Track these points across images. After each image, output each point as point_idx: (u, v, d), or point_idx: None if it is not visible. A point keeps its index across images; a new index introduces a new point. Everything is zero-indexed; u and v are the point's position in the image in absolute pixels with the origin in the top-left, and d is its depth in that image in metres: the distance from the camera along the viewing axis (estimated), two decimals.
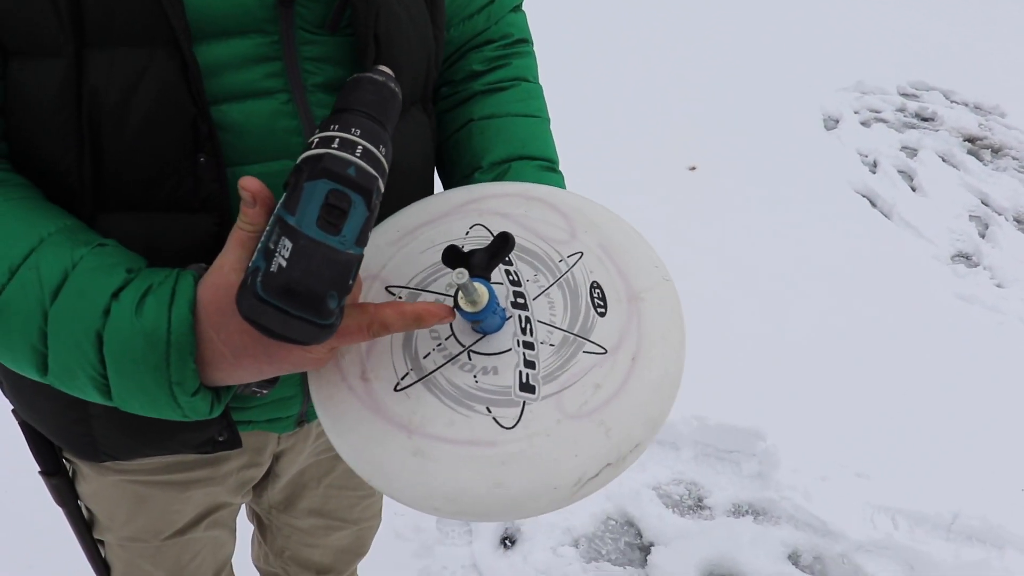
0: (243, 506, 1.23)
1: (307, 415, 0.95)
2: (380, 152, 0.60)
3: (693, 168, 3.81)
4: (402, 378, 0.68)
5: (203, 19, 0.65)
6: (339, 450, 0.67)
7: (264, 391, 0.73)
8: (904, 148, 4.24)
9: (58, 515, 1.03)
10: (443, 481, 0.62)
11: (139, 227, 0.70)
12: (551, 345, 0.68)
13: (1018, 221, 3.73)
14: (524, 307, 0.70)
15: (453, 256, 0.69)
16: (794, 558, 2.10)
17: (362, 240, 0.59)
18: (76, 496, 1.01)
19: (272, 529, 1.30)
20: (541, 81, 0.99)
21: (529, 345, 0.68)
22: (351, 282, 0.59)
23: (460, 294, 0.64)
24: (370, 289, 0.74)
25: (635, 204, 3.43)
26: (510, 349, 0.68)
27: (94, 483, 0.98)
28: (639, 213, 3.35)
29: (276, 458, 1.10)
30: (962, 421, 2.52)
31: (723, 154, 3.94)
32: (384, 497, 1.32)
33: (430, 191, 0.92)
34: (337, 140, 0.58)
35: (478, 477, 0.61)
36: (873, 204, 3.71)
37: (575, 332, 0.68)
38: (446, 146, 0.94)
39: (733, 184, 3.70)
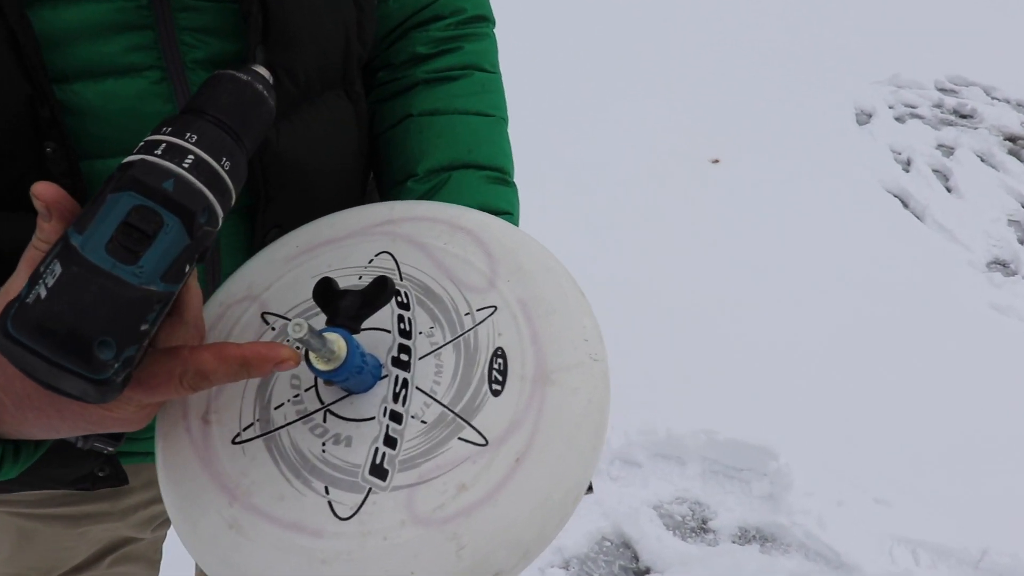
0: None
1: None
2: (221, 166, 0.48)
3: (716, 161, 3.67)
4: (244, 429, 0.56)
5: None
6: (164, 500, 0.56)
7: (109, 448, 0.59)
8: (940, 146, 4.08)
9: None
10: (253, 568, 0.51)
11: None
12: (423, 422, 0.54)
13: None
14: (406, 367, 0.56)
15: (323, 293, 0.56)
16: None
17: (172, 276, 0.45)
18: None
19: None
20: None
21: (397, 417, 0.54)
22: (144, 327, 0.45)
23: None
24: (245, 312, 0.61)
25: (649, 197, 3.31)
26: (374, 417, 0.55)
27: None
28: (652, 206, 3.24)
29: None
30: (994, 445, 2.36)
31: (748, 147, 3.79)
32: None
33: (359, 195, 0.78)
34: (163, 145, 0.46)
35: (291, 573, 0.50)
36: (905, 205, 3.56)
37: (456, 411, 0.54)
38: (380, 143, 0.79)
39: (757, 179, 3.56)
